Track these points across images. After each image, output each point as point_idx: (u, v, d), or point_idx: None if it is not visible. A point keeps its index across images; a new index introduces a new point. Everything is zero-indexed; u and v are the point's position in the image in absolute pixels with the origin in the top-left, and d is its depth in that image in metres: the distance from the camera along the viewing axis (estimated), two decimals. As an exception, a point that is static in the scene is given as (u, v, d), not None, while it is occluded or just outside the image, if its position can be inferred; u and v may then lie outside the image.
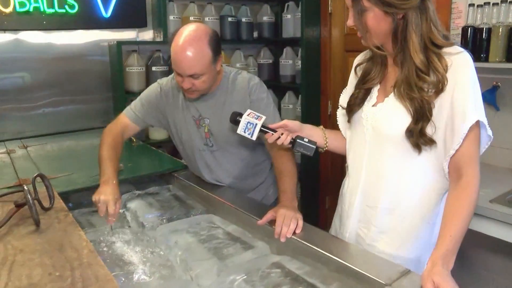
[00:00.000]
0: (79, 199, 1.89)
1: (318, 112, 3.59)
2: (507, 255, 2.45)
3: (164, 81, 1.91)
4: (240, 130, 1.42)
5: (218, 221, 1.67)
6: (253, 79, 1.77)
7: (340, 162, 3.45)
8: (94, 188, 1.88)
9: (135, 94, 3.14)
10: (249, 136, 1.42)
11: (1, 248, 1.24)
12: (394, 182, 1.36)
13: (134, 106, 1.91)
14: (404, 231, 1.37)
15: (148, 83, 3.20)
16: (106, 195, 1.56)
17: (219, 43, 1.66)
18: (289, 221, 1.40)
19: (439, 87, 1.22)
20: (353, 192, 1.48)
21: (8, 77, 2.95)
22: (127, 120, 1.89)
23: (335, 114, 3.56)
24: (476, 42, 2.25)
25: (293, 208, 1.49)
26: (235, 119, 1.43)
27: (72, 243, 1.27)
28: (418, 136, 1.26)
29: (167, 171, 2.12)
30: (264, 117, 1.42)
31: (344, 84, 3.37)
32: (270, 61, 3.82)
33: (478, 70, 1.26)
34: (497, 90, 2.39)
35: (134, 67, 3.14)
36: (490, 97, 2.38)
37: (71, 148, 2.75)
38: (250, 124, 1.41)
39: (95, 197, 1.57)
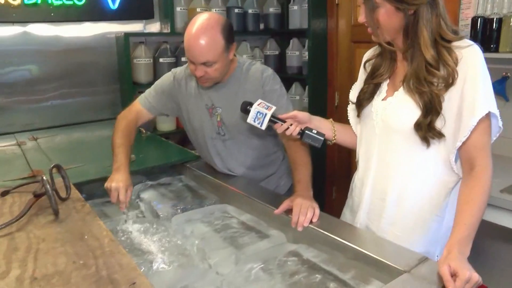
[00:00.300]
0: (92, 190, 1.90)
1: (324, 103, 3.60)
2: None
3: (178, 70, 1.93)
4: (250, 119, 1.44)
5: (232, 210, 1.69)
6: (267, 71, 1.78)
7: (346, 153, 3.47)
8: (107, 179, 1.92)
9: (142, 86, 3.17)
10: (258, 126, 1.44)
11: (24, 237, 1.25)
12: (403, 175, 1.38)
13: (148, 93, 1.94)
14: (413, 224, 1.39)
15: (155, 74, 3.22)
16: (117, 182, 1.60)
17: (232, 32, 1.67)
18: (305, 210, 1.42)
19: (449, 81, 1.23)
20: (363, 184, 1.50)
21: (16, 69, 2.96)
22: (140, 107, 1.93)
23: (342, 105, 3.59)
24: (486, 33, 2.25)
25: (309, 197, 1.51)
26: (245, 108, 1.45)
27: (93, 232, 1.29)
28: (427, 130, 1.27)
29: (179, 162, 2.13)
30: (274, 107, 1.44)
31: (351, 75, 3.42)
32: (277, 52, 3.82)
33: (488, 60, 1.27)
34: (506, 80, 2.39)
35: (142, 59, 3.15)
36: (500, 87, 2.38)
37: (81, 139, 2.77)
38: (260, 113, 1.43)
39: (107, 184, 1.61)
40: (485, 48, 2.25)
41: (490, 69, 1.26)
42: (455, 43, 1.25)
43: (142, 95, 1.96)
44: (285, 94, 1.80)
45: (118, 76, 3.30)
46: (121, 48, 3.11)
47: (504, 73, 2.40)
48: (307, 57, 3.56)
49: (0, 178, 1.83)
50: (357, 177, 1.57)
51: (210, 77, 1.66)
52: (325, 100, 3.62)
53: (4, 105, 2.93)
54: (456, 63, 1.23)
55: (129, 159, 1.76)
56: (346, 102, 3.62)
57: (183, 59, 3.26)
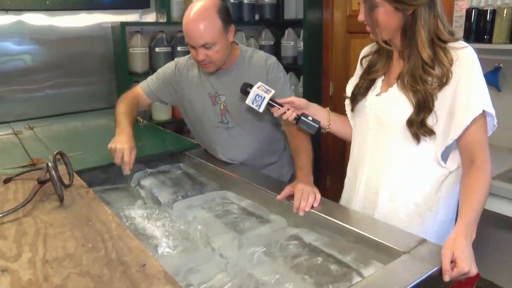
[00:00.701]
0: (92, 177, 1.91)
1: (319, 93, 3.63)
2: (509, 230, 2.53)
3: (181, 59, 1.96)
4: (248, 101, 1.47)
5: (232, 197, 1.71)
6: (271, 58, 1.81)
7: (340, 143, 3.50)
8: (106, 167, 1.94)
9: (138, 75, 3.18)
10: (256, 108, 1.47)
11: (31, 222, 1.28)
12: (395, 170, 1.42)
13: (150, 79, 1.99)
14: (407, 218, 1.42)
15: (151, 64, 3.23)
16: (122, 143, 1.60)
17: (229, 14, 1.70)
18: (307, 196, 1.45)
19: (444, 81, 1.27)
20: (357, 178, 1.54)
21: (11, 59, 2.95)
22: (141, 92, 1.98)
23: (336, 96, 3.63)
24: (480, 24, 2.29)
25: (310, 183, 1.54)
26: (245, 89, 1.48)
27: (99, 217, 1.31)
28: (419, 126, 1.31)
29: (178, 150, 2.15)
30: (273, 91, 1.47)
31: (346, 65, 3.45)
32: (272, 42, 3.83)
33: (481, 51, 1.32)
34: (499, 71, 2.43)
35: (138, 48, 3.15)
36: (492, 78, 2.42)
37: (78, 128, 2.77)
38: (259, 96, 1.46)
39: (110, 145, 1.61)
40: (479, 39, 2.30)
41: (482, 60, 1.30)
42: (450, 44, 1.29)
43: (144, 81, 2.01)
44: (288, 82, 1.83)
45: (114, 66, 3.30)
46: (117, 38, 3.10)
47: (496, 64, 2.44)
48: (302, 48, 3.58)
49: (0, 166, 1.84)
50: (350, 170, 1.61)
51: (212, 60, 1.68)
52: (320, 90, 3.65)
53: (-1, 94, 2.93)
54: (451, 64, 1.26)
55: (132, 125, 1.77)
56: (340, 92, 3.66)
57: (179, 48, 3.27)
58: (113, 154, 1.60)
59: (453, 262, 1.10)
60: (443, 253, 1.11)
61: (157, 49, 3.22)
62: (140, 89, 1.99)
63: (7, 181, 1.61)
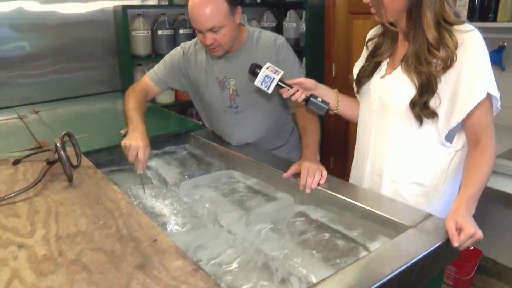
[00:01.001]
0: (98, 159, 1.92)
1: (322, 74, 3.63)
2: (511, 207, 2.55)
3: (187, 44, 1.92)
4: (257, 82, 1.47)
5: (238, 176, 1.73)
6: (279, 38, 1.79)
7: (343, 125, 3.52)
8: (113, 148, 1.95)
9: (141, 58, 3.18)
10: (265, 89, 1.47)
11: (42, 201, 1.30)
12: (398, 152, 1.43)
13: (157, 68, 1.94)
14: (412, 198, 1.43)
15: (154, 47, 3.23)
16: (136, 140, 1.55)
17: None
18: (313, 173, 1.46)
19: (448, 63, 1.27)
20: (363, 160, 1.55)
21: (14, 45, 2.94)
22: (149, 82, 1.93)
23: (339, 77, 3.62)
24: (485, 3, 2.28)
25: (316, 161, 1.55)
26: (254, 70, 1.48)
27: (108, 196, 1.33)
28: (422, 108, 1.31)
29: (184, 131, 2.16)
30: (282, 72, 1.47)
31: (348, 46, 3.44)
32: (273, 24, 3.82)
33: (486, 30, 1.31)
34: (503, 50, 2.43)
35: (140, 31, 3.14)
36: (496, 57, 2.42)
37: (82, 112, 2.78)
38: (268, 77, 1.46)
39: (125, 142, 1.55)
40: (483, 18, 2.29)
41: (487, 39, 1.29)
42: (456, 27, 1.28)
43: (151, 69, 1.96)
44: (297, 62, 1.81)
45: (117, 49, 3.29)
46: (119, 21, 3.09)
47: (500, 43, 2.44)
48: (304, 29, 3.57)
49: (7, 149, 1.85)
50: (357, 152, 1.61)
51: (220, 44, 1.67)
52: (322, 71, 3.64)
53: (2, 79, 2.93)
54: (456, 47, 1.26)
55: (144, 120, 1.72)
56: (343, 73, 3.66)
57: (181, 31, 3.26)
58: (126, 151, 1.55)
59: (458, 230, 1.11)
60: (447, 223, 1.13)
61: (159, 32, 3.22)
62: (148, 79, 1.94)
63: (16, 162, 1.62)
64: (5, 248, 1.04)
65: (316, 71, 3.59)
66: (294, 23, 3.70)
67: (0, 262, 0.98)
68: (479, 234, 1.11)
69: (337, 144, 3.67)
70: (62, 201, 1.30)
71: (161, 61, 1.96)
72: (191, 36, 3.25)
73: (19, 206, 1.27)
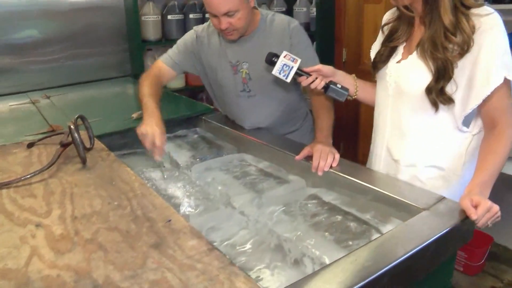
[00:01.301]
0: (110, 142, 1.93)
1: (332, 59, 3.61)
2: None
3: (200, 28, 1.91)
4: (275, 71, 1.45)
5: (249, 159, 1.74)
6: (293, 22, 1.77)
7: (354, 111, 3.50)
8: (125, 132, 1.96)
9: (151, 43, 3.18)
10: (284, 78, 1.45)
11: (57, 182, 1.31)
12: (414, 137, 1.41)
13: (171, 52, 1.92)
14: (430, 181, 1.42)
15: (164, 31, 3.22)
16: (152, 127, 1.53)
17: None
18: (326, 156, 1.46)
19: (464, 48, 1.24)
20: (380, 145, 1.54)
21: (26, 31, 2.95)
22: (163, 65, 1.91)
23: (350, 62, 3.59)
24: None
25: (329, 144, 1.55)
26: (271, 59, 1.46)
27: (122, 178, 1.34)
28: (438, 94, 1.29)
29: (195, 114, 2.16)
30: (300, 60, 1.45)
31: (359, 31, 3.41)
32: (284, 9, 3.79)
33: (502, 12, 1.26)
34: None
35: (150, 16, 3.14)
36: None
37: (93, 96, 2.79)
38: (286, 66, 1.44)
39: (141, 129, 1.53)
40: (500, -1, 2.25)
41: (507, 22, 1.26)
42: (474, 11, 1.24)
43: (165, 53, 1.95)
44: (311, 45, 1.79)
45: (127, 34, 3.29)
46: (129, 6, 3.09)
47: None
48: (314, 14, 3.54)
49: (21, 133, 1.87)
50: (375, 137, 1.60)
51: (235, 28, 1.65)
52: (333, 56, 3.62)
53: (14, 65, 2.95)
54: (473, 31, 1.23)
55: (159, 106, 1.69)
56: (353, 58, 3.63)
57: (191, 16, 3.25)
58: (143, 139, 1.53)
59: (474, 206, 1.11)
60: (462, 201, 1.13)
61: (169, 17, 3.21)
62: (162, 63, 1.91)
63: (30, 145, 1.64)
64: (24, 227, 1.06)
65: (326, 57, 3.56)
66: (304, 8, 3.67)
67: (20, 240, 1.01)
68: (496, 207, 1.11)
69: (348, 130, 3.65)
70: (77, 182, 1.31)
71: (175, 45, 1.94)
72: (201, 20, 3.24)
73: (35, 187, 1.28)
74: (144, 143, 1.53)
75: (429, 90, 1.31)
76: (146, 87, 1.78)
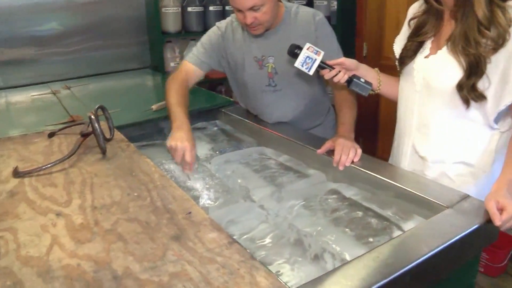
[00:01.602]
0: (130, 134, 1.94)
1: (353, 54, 3.56)
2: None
3: (223, 24, 1.87)
4: (298, 63, 1.42)
5: (269, 152, 1.72)
6: (318, 14, 1.74)
7: (373, 105, 3.46)
8: (145, 123, 1.97)
9: (171, 35, 3.18)
10: (306, 71, 1.43)
11: (77, 172, 1.32)
12: (443, 134, 1.37)
13: (196, 50, 1.87)
14: (458, 178, 1.38)
15: (183, 23, 3.22)
16: (183, 141, 1.45)
17: None
18: (348, 150, 1.44)
19: (499, 43, 1.19)
20: (405, 142, 1.50)
21: (47, 23, 2.98)
22: (190, 66, 1.84)
23: (371, 56, 3.54)
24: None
25: (351, 139, 1.53)
26: (293, 51, 1.43)
27: (142, 168, 1.34)
28: (469, 91, 1.24)
29: (215, 107, 2.16)
30: (323, 53, 1.42)
31: (380, 25, 3.36)
32: (304, 2, 3.74)
33: None
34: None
35: (170, 8, 3.14)
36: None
37: (113, 87, 2.81)
38: (309, 58, 1.41)
39: (170, 143, 1.46)
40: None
41: None
42: (510, 3, 1.19)
43: (190, 53, 1.90)
44: (335, 38, 1.76)
45: (147, 26, 3.30)
46: (150, -3, 3.10)
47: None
48: (335, 7, 3.49)
49: (42, 123, 1.89)
50: (398, 133, 1.56)
51: (261, 22, 1.62)
52: (353, 50, 3.57)
53: (36, 56, 2.98)
54: (509, 25, 1.17)
55: (188, 117, 1.62)
56: (374, 53, 3.57)
57: (211, 8, 3.23)
58: (173, 153, 1.47)
59: (499, 210, 1.06)
60: (487, 203, 1.08)
61: (189, 9, 3.20)
62: (189, 63, 1.84)
63: (51, 135, 1.65)
64: (45, 215, 1.07)
65: (347, 51, 3.45)
66: (325, 1, 3.61)
67: (41, 228, 1.01)
68: None
69: (367, 125, 3.61)
70: (96, 172, 1.32)
71: (198, 44, 1.89)
72: (222, 13, 3.22)
73: (56, 176, 1.29)
74: (173, 157, 1.48)
75: (460, 87, 1.26)
76: (174, 94, 1.70)
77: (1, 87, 2.80)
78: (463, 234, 1.04)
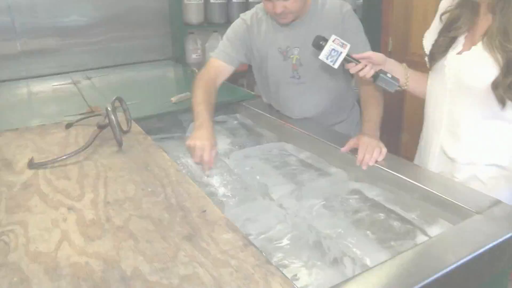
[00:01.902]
0: (148, 126, 1.91)
1: (378, 49, 3.47)
2: None
3: (247, 16, 1.82)
4: (323, 56, 1.36)
5: (290, 148, 1.67)
6: (346, 5, 1.68)
7: (397, 103, 3.37)
8: (163, 116, 1.94)
9: (193, 27, 3.14)
10: (331, 64, 1.37)
11: (92, 165, 1.29)
12: (475, 135, 1.30)
13: (223, 45, 1.81)
14: (491, 181, 1.31)
15: (206, 15, 3.18)
16: (202, 140, 1.42)
17: None
18: (372, 149, 1.38)
19: None
20: (433, 142, 1.43)
21: (70, 13, 2.97)
22: (220, 62, 1.78)
23: (396, 52, 3.45)
24: None
25: (376, 137, 1.47)
26: (318, 43, 1.37)
27: (157, 163, 1.31)
28: (506, 90, 1.17)
29: (236, 100, 2.11)
30: (349, 45, 1.36)
31: (406, 20, 3.26)
32: (330, -6, 3.67)
33: None
34: None
35: (192, -1, 3.10)
36: None
37: (133, 78, 2.79)
38: (335, 51, 1.35)
39: (190, 142, 1.43)
40: None
41: None
42: None
43: (216, 50, 1.83)
44: (363, 30, 1.70)
45: (169, 17, 3.27)
46: (173, -12, 3.06)
47: None
48: (361, 1, 3.41)
49: (61, 114, 1.87)
50: (426, 133, 1.49)
51: (291, 11, 1.57)
52: (379, 46, 3.48)
53: (57, 47, 2.97)
54: None
55: (212, 116, 1.59)
56: (400, 48, 3.48)
57: (234, 0, 3.18)
58: (192, 152, 1.43)
59: None
60: None
61: (212, 0, 3.15)
62: (217, 60, 1.78)
63: (68, 126, 1.64)
64: (56, 210, 1.04)
65: (371, 46, 3.41)
66: (351, -6, 3.54)
67: (52, 223, 0.99)
68: None
69: (391, 123, 3.52)
70: (111, 166, 1.29)
71: (224, 38, 1.82)
72: (245, 4, 3.17)
73: (70, 168, 1.27)
74: (192, 156, 1.45)
75: (495, 86, 1.18)
76: (200, 93, 1.66)
77: (24, 77, 2.81)
78: (494, 243, 0.97)
